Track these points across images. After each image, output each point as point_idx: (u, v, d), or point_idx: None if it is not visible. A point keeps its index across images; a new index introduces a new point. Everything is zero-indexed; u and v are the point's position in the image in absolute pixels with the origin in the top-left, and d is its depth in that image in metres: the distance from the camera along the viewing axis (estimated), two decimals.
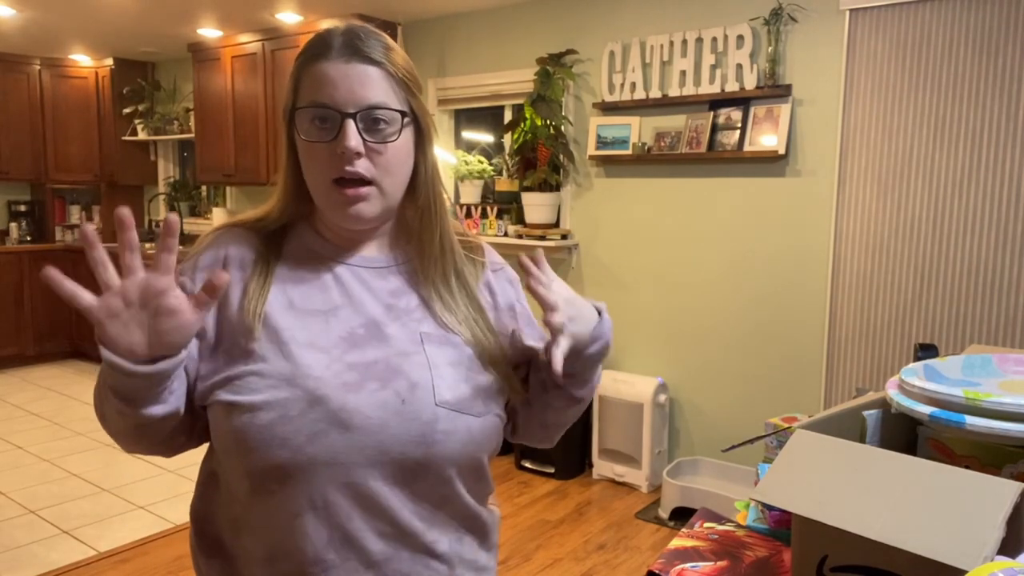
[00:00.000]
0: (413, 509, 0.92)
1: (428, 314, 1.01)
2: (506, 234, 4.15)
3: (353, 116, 0.92)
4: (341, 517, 0.89)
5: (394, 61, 0.97)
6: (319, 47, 0.96)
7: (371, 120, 0.93)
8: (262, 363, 0.89)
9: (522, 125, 3.91)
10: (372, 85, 0.93)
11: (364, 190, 0.94)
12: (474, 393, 0.96)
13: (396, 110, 0.94)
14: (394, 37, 4.61)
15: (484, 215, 4.29)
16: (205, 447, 1.00)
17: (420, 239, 1.03)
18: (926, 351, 1.41)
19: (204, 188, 6.27)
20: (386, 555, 0.91)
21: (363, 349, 0.94)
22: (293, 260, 0.99)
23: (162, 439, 0.92)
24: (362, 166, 0.92)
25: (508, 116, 4.33)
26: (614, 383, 3.72)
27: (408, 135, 0.96)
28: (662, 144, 3.62)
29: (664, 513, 3.39)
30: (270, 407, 0.87)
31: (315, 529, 0.89)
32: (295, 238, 1.01)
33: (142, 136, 6.18)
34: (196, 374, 0.92)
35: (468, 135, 4.71)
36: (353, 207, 0.93)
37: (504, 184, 4.31)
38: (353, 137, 0.91)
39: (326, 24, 1.02)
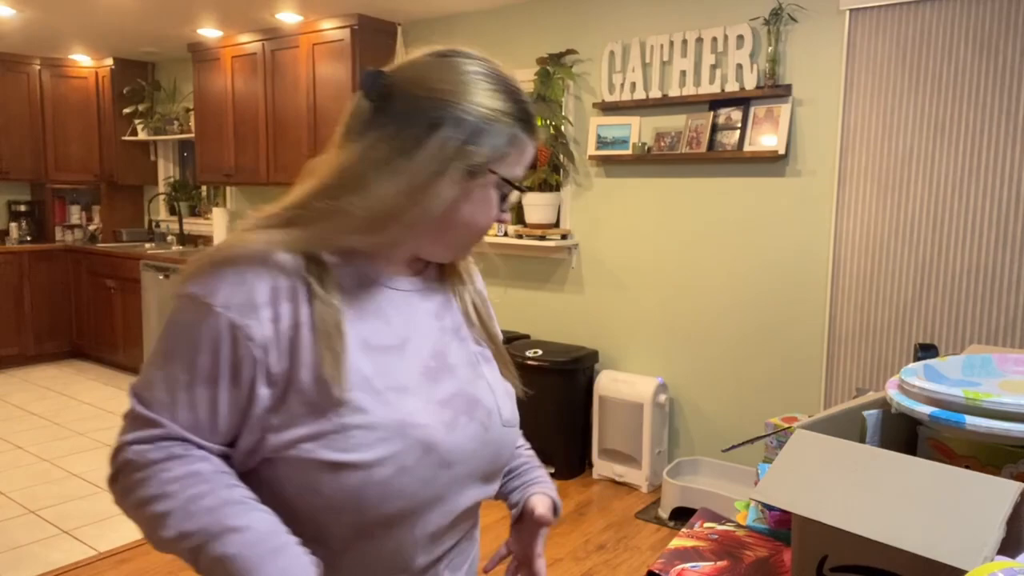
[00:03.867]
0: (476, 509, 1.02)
1: (468, 330, 1.03)
2: (506, 234, 4.15)
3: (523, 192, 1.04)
4: (439, 539, 0.94)
5: None
6: (530, 120, 0.97)
7: None
8: (363, 415, 0.84)
9: None
10: None
11: None
12: (514, 406, 1.03)
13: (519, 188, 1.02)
14: (394, 37, 4.61)
15: None
16: None
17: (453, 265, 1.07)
18: (926, 351, 1.41)
19: (204, 188, 6.27)
20: (457, 547, 1.00)
21: (441, 383, 0.93)
22: (349, 290, 0.90)
23: None
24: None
25: None
26: (614, 383, 3.72)
27: None
28: (662, 144, 3.62)
29: (664, 513, 3.39)
30: (387, 462, 0.84)
31: (414, 556, 0.92)
32: (345, 264, 0.90)
33: (142, 136, 6.18)
34: (261, 425, 0.84)
35: None
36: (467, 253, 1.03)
37: None
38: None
39: (469, 64, 0.96)
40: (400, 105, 0.88)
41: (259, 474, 0.86)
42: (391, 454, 0.84)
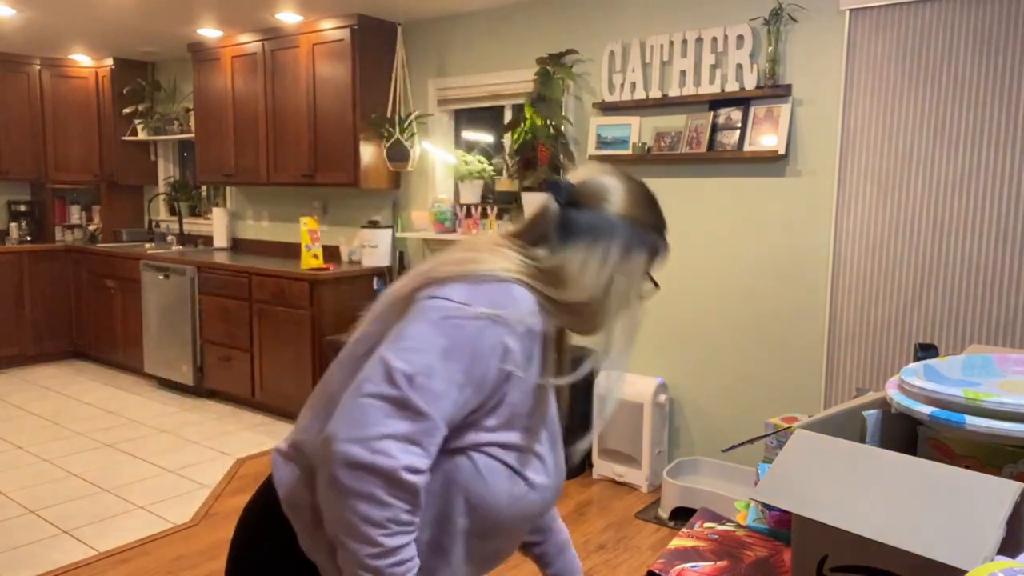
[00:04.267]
0: None
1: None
2: None
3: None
4: (508, 555, 1.19)
5: None
6: (665, 228, 1.18)
7: None
8: (541, 449, 1.12)
9: (522, 125, 3.91)
10: None
11: None
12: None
13: None
14: (394, 37, 4.61)
15: (484, 215, 4.28)
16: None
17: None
18: (926, 351, 1.41)
19: (204, 188, 6.28)
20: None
21: (554, 429, 1.21)
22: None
23: None
24: None
25: (508, 116, 4.33)
26: None
27: None
28: (662, 144, 3.62)
29: (664, 513, 3.39)
30: (540, 490, 1.11)
31: (496, 562, 1.17)
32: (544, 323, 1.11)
33: (142, 136, 6.18)
34: (472, 422, 1.04)
35: (468, 135, 4.71)
36: None
37: (504, 184, 4.31)
38: None
39: (634, 185, 1.17)
40: (587, 216, 1.10)
41: (441, 457, 1.03)
42: (544, 485, 1.11)
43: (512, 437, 1.05)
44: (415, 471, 0.94)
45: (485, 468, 1.03)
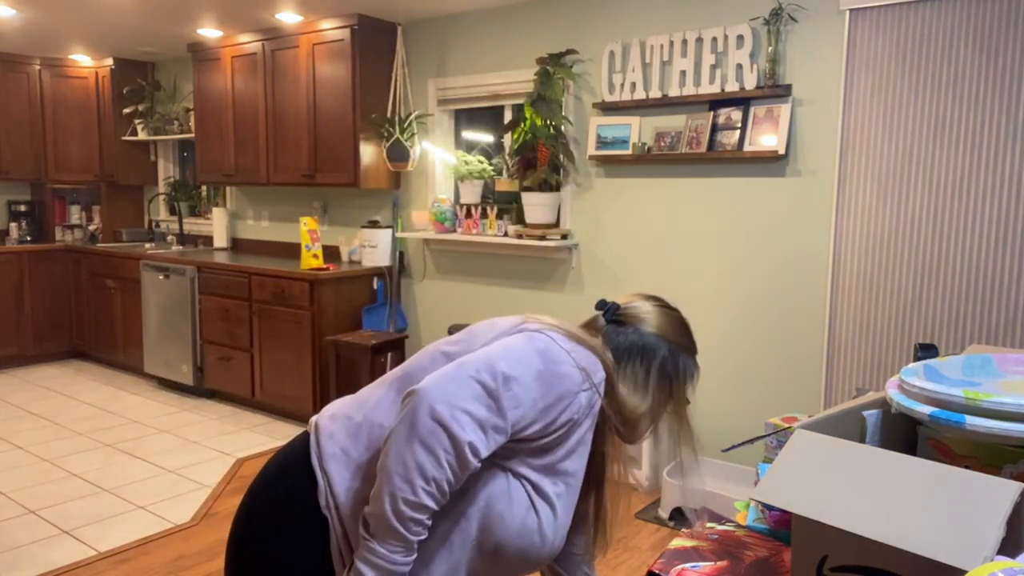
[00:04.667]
0: None
1: None
2: (506, 234, 4.15)
3: None
4: None
5: None
6: (696, 350, 1.33)
7: None
8: (559, 505, 1.19)
9: (522, 125, 3.91)
10: None
11: None
12: None
13: None
14: (394, 37, 4.61)
15: (484, 215, 4.29)
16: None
17: None
18: (926, 351, 1.41)
19: (204, 188, 6.28)
20: None
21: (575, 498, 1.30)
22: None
23: None
24: None
25: (508, 116, 4.33)
26: None
27: None
28: (662, 144, 3.62)
29: (664, 513, 3.39)
30: (542, 537, 1.18)
31: None
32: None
33: (142, 136, 6.18)
34: (523, 444, 1.15)
35: (468, 135, 4.71)
36: None
37: (504, 184, 4.31)
38: None
39: (671, 311, 1.36)
40: (631, 335, 1.27)
41: (486, 462, 1.13)
42: (546, 533, 1.18)
43: (546, 482, 1.17)
44: (475, 453, 1.06)
45: (515, 493, 1.15)
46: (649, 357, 1.26)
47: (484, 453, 1.07)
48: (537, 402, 1.11)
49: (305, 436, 1.25)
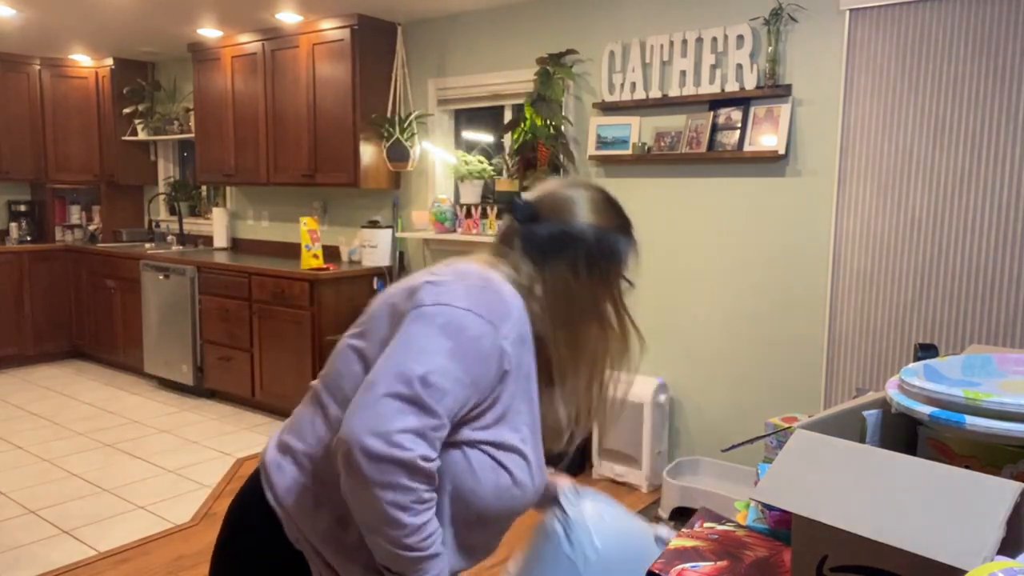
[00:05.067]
0: None
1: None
2: None
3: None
4: (495, 547, 1.25)
5: None
6: (632, 227, 1.26)
7: None
8: (526, 448, 1.15)
9: (522, 125, 3.91)
10: None
11: None
12: None
13: None
14: (394, 37, 4.61)
15: (484, 215, 4.28)
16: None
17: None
18: (926, 351, 1.41)
19: (204, 188, 6.28)
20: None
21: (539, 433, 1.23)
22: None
23: None
24: None
25: (508, 116, 4.33)
26: None
27: None
28: (662, 144, 3.62)
29: (664, 513, 3.39)
30: (522, 487, 1.14)
31: (489, 545, 1.22)
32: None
33: (142, 136, 6.18)
34: (464, 420, 1.09)
35: (468, 135, 4.71)
36: None
37: (504, 184, 4.31)
38: None
39: (589, 192, 1.24)
40: (550, 229, 1.17)
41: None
42: (524, 481, 1.15)
43: (501, 435, 1.11)
44: (428, 459, 1.02)
45: (476, 462, 1.10)
46: (573, 248, 1.16)
47: (436, 453, 1.03)
48: (462, 380, 1.04)
49: (257, 474, 1.21)
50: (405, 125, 4.51)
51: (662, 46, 3.58)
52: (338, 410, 1.14)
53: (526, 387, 1.15)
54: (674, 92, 3.55)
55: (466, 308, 1.08)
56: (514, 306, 1.12)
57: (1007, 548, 0.75)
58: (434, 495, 1.05)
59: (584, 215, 1.18)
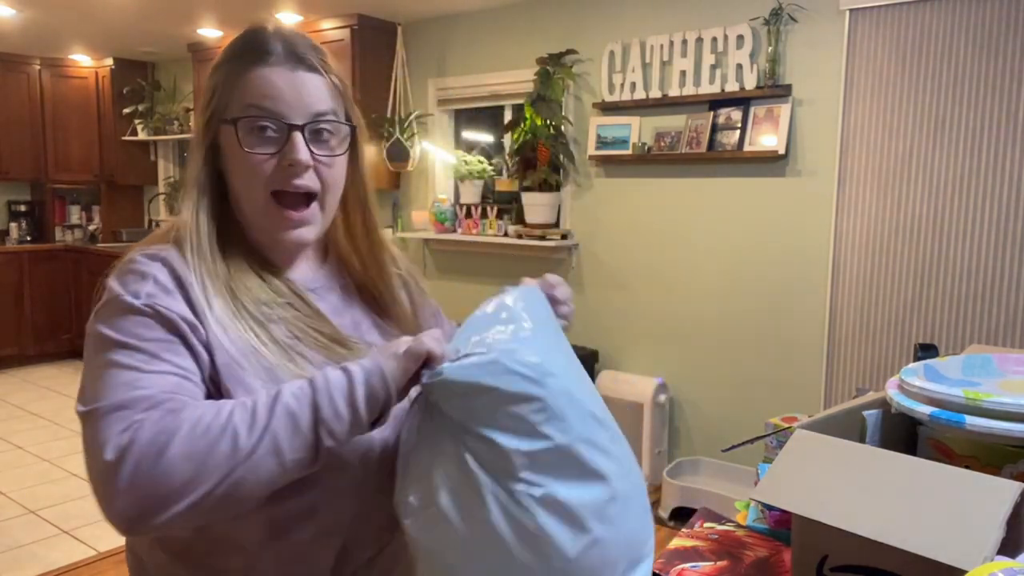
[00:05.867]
0: None
1: (374, 330, 1.04)
2: (506, 234, 4.15)
3: (301, 128, 0.89)
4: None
5: (334, 71, 0.95)
6: (258, 50, 0.90)
7: (317, 132, 0.91)
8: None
9: (522, 125, 3.91)
10: (319, 94, 0.91)
11: (308, 212, 0.92)
12: None
13: (343, 123, 0.95)
14: (394, 37, 4.61)
15: (484, 215, 4.29)
16: None
17: (358, 254, 1.05)
18: (926, 351, 1.41)
19: None
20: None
21: None
22: (240, 281, 0.92)
23: None
24: (309, 179, 0.91)
25: (508, 116, 4.33)
26: (614, 383, 3.72)
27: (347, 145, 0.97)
28: (662, 144, 3.62)
29: (664, 513, 3.39)
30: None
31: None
32: (234, 256, 0.93)
33: (142, 136, 6.18)
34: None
35: (468, 135, 4.71)
36: (296, 231, 0.92)
37: (504, 184, 4.31)
38: (303, 149, 0.89)
39: (262, 27, 0.96)
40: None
41: None
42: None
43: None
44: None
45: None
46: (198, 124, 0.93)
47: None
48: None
49: None
50: (405, 125, 4.51)
51: (662, 46, 3.58)
52: None
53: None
54: (674, 92, 3.55)
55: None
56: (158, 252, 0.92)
57: (1007, 548, 0.75)
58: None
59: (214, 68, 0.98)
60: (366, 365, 0.79)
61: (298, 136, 0.89)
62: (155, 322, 0.83)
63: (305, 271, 1.01)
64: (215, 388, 0.85)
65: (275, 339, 0.89)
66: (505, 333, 0.84)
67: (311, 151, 0.90)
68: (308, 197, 0.92)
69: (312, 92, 0.91)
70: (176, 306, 0.84)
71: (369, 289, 1.05)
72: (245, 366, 0.85)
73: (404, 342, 0.81)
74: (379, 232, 1.06)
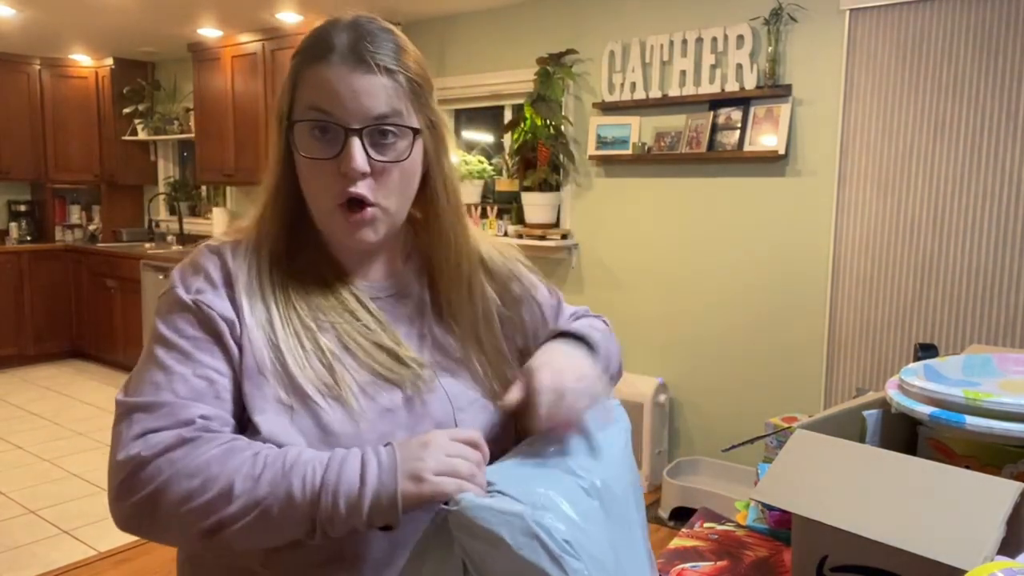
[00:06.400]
0: None
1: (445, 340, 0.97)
2: (506, 234, 4.15)
3: (359, 132, 0.83)
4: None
5: (407, 66, 0.88)
6: (321, 47, 0.87)
7: (379, 134, 0.85)
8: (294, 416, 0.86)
9: (522, 125, 3.91)
10: (381, 96, 0.84)
11: (369, 213, 0.86)
12: None
13: (407, 126, 0.86)
14: None
15: (484, 215, 4.28)
16: None
17: (437, 258, 0.97)
18: (926, 351, 1.41)
19: (204, 188, 6.27)
20: None
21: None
22: (301, 284, 0.90)
23: None
24: (366, 187, 0.84)
25: (508, 116, 4.33)
26: None
27: (419, 148, 0.89)
28: (662, 144, 3.62)
29: (664, 513, 3.39)
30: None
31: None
32: (303, 257, 0.91)
33: (142, 136, 6.18)
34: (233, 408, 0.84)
35: (468, 135, 4.71)
36: (358, 233, 0.87)
37: (504, 184, 4.31)
38: (358, 156, 0.82)
39: (327, 18, 0.93)
40: None
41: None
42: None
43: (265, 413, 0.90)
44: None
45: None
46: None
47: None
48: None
49: None
50: None
51: (662, 46, 3.58)
52: None
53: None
54: (674, 92, 3.55)
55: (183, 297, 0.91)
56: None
57: (1007, 548, 0.75)
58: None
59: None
60: (384, 479, 0.74)
61: (355, 141, 0.83)
62: (196, 319, 0.83)
63: (378, 274, 0.96)
64: (236, 389, 0.83)
65: (320, 347, 0.85)
66: (562, 482, 0.74)
67: (370, 156, 0.84)
68: (368, 204, 0.86)
69: (372, 93, 0.84)
70: (218, 303, 0.84)
71: (446, 296, 0.98)
72: (267, 375, 0.83)
73: (434, 464, 0.74)
74: (463, 239, 0.96)
